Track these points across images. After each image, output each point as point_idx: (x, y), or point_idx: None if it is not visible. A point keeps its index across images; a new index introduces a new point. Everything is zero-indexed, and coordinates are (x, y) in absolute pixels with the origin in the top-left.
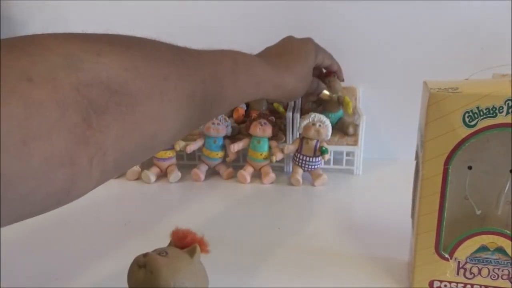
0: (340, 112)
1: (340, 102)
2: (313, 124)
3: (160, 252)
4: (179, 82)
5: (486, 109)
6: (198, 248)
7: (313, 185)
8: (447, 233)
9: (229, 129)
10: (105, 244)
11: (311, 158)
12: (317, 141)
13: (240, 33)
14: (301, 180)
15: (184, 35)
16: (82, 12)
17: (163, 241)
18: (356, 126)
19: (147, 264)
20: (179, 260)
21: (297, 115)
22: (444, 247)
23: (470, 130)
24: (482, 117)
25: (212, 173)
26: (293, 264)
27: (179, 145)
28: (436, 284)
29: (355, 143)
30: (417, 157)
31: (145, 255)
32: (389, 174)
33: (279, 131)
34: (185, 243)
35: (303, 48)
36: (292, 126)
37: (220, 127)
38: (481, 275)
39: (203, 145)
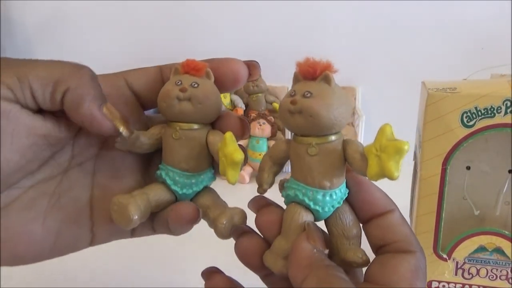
0: None
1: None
2: None
3: (305, 93)
4: None
5: (484, 109)
6: (330, 75)
7: None
8: (445, 233)
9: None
10: (105, 244)
11: None
12: None
13: (240, 33)
14: None
15: (184, 36)
16: (82, 12)
17: (164, 241)
18: None
19: (302, 110)
20: (325, 95)
21: None
22: (443, 247)
23: (468, 131)
24: (480, 117)
25: None
26: None
27: None
28: (434, 284)
29: None
30: (415, 158)
31: (293, 102)
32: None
33: (278, 131)
34: (316, 73)
35: None
36: (286, 127)
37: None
38: (479, 276)
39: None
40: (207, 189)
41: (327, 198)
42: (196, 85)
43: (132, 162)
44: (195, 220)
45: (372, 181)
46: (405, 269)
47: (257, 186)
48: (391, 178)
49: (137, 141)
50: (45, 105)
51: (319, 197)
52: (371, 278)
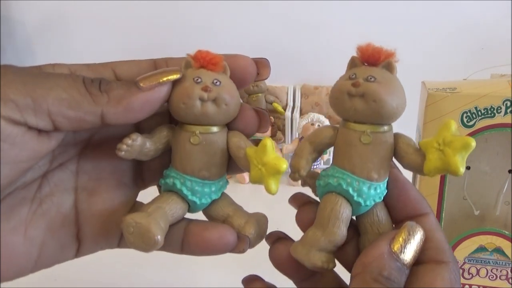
0: None
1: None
2: (312, 124)
3: (368, 77)
4: None
5: (484, 109)
6: (394, 63)
7: None
8: (445, 233)
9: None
10: None
11: None
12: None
13: (240, 33)
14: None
15: (183, 35)
16: (82, 12)
17: None
18: None
19: (366, 93)
20: (389, 82)
21: (296, 115)
22: None
23: (468, 130)
24: (480, 117)
25: None
26: None
27: None
28: None
29: None
30: None
31: (356, 84)
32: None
33: (278, 131)
34: (380, 59)
35: None
36: (291, 126)
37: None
38: (479, 276)
39: None
40: (222, 194)
41: (372, 191)
42: (218, 83)
43: (119, 160)
44: (234, 248)
45: (410, 182)
46: (441, 285)
47: (256, 186)
48: (456, 173)
49: (143, 148)
50: (65, 128)
51: (365, 188)
52: None
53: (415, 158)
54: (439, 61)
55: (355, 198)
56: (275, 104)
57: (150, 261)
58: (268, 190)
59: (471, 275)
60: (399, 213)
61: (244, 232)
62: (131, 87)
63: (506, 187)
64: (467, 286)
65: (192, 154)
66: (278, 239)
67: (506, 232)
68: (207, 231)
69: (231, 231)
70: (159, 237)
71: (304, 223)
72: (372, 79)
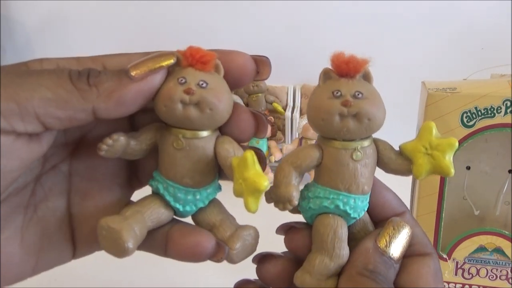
0: None
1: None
2: None
3: (356, 94)
4: None
5: (484, 109)
6: (371, 72)
7: None
8: (445, 233)
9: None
10: None
11: None
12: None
13: (240, 33)
14: None
15: (183, 36)
16: (82, 12)
17: None
18: None
19: (359, 113)
20: (374, 95)
21: (296, 115)
22: (443, 247)
23: (468, 131)
24: (480, 118)
25: None
26: None
27: None
28: None
29: None
30: None
31: (347, 104)
32: (387, 174)
33: (278, 131)
34: (360, 70)
35: None
36: (291, 126)
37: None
38: (479, 276)
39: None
40: (212, 201)
41: (365, 202)
42: (204, 85)
43: (112, 161)
44: (211, 256)
45: (384, 183)
46: (428, 274)
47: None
48: (448, 174)
49: (127, 148)
50: (56, 127)
51: (359, 203)
52: (396, 284)
53: (401, 162)
54: (439, 61)
55: (352, 215)
56: (275, 104)
57: (150, 261)
58: (247, 208)
59: (471, 275)
60: (378, 215)
61: (228, 247)
62: (121, 78)
63: (506, 187)
64: (467, 286)
65: (175, 160)
66: (263, 258)
67: (506, 232)
68: (184, 237)
69: (209, 238)
70: (129, 244)
71: (296, 248)
72: (360, 96)
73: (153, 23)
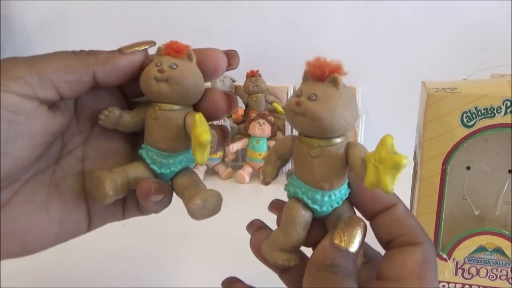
0: None
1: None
2: None
3: (310, 96)
4: None
5: (484, 110)
6: (339, 78)
7: None
8: (445, 233)
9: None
10: (104, 244)
11: None
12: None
13: (240, 33)
14: None
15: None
16: (82, 12)
17: (162, 240)
18: None
19: (305, 113)
20: (330, 99)
21: None
22: (443, 247)
23: (468, 131)
24: (480, 118)
25: (211, 173)
26: None
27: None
28: None
29: None
30: (415, 157)
31: (298, 103)
32: None
33: (278, 131)
34: (324, 75)
35: None
36: (291, 126)
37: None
38: (479, 276)
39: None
40: (186, 170)
41: (326, 198)
42: (174, 67)
43: (119, 146)
44: (147, 196)
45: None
46: (412, 262)
47: (256, 186)
48: (385, 191)
49: (121, 119)
50: (68, 93)
51: (318, 197)
52: (381, 275)
53: (361, 170)
54: (439, 61)
55: (310, 205)
56: (275, 104)
57: (150, 261)
58: (196, 161)
59: (471, 275)
60: (369, 210)
61: (189, 202)
62: (114, 52)
63: (506, 187)
64: (467, 286)
65: (152, 127)
66: (258, 228)
67: (506, 232)
68: (139, 182)
69: (149, 182)
70: (111, 192)
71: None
72: (314, 97)
73: (153, 23)
